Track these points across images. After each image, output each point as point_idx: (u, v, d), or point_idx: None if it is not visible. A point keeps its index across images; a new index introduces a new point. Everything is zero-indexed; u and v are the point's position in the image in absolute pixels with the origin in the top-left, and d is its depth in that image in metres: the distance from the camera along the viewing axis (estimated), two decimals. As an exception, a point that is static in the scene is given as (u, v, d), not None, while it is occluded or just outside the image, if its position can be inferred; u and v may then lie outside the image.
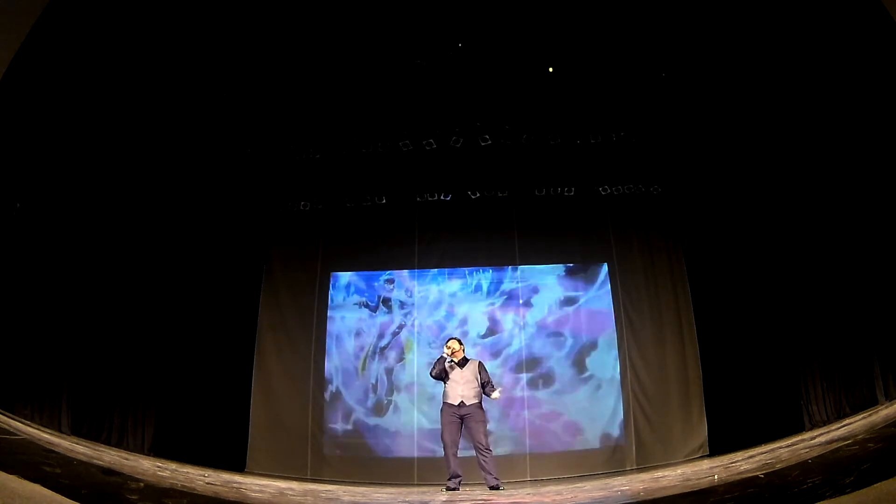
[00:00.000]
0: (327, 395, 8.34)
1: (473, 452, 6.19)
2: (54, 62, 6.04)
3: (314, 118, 8.69)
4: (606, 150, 8.77)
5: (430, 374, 6.50)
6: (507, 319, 8.57)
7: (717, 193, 8.14)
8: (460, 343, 6.47)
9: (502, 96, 8.49)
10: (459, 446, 6.23)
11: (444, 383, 6.35)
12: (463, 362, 6.35)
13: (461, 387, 6.23)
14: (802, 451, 4.76)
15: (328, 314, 8.59)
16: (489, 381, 6.35)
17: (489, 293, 8.69)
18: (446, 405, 6.28)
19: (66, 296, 6.82)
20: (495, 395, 6.33)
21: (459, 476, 6.08)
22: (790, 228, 7.41)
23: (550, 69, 8.21)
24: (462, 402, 6.19)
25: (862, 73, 6.24)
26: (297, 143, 8.89)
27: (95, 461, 4.62)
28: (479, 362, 6.51)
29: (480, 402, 6.26)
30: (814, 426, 6.76)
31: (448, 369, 6.32)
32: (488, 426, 6.66)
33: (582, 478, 7.29)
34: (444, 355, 6.36)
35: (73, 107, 6.59)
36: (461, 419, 6.18)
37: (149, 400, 7.44)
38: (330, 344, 8.51)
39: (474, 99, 8.53)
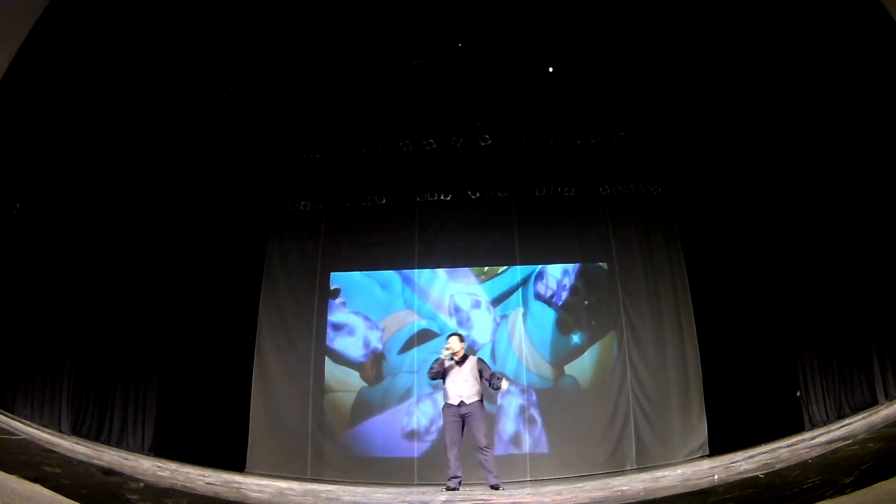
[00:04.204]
0: (327, 395, 8.34)
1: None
2: (54, 62, 6.03)
3: (314, 118, 8.69)
4: (606, 150, 8.78)
5: (428, 375, 6.46)
6: (507, 318, 8.57)
7: (717, 193, 8.13)
8: (462, 340, 6.40)
9: (502, 96, 8.49)
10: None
11: (444, 382, 6.30)
12: (462, 360, 6.28)
13: (460, 386, 6.18)
14: (802, 451, 4.75)
15: (328, 314, 8.57)
16: (493, 375, 6.27)
17: (489, 293, 8.69)
18: (447, 405, 6.25)
19: (65, 296, 6.80)
20: (504, 385, 6.25)
21: (459, 477, 6.05)
22: (790, 228, 7.39)
23: (550, 69, 8.22)
24: (462, 401, 6.14)
25: (862, 72, 6.23)
26: (297, 143, 8.89)
27: (95, 461, 4.62)
28: (479, 358, 6.45)
29: (481, 400, 6.21)
30: (814, 426, 6.75)
31: (446, 368, 6.26)
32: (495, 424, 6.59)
33: (582, 478, 7.28)
34: (442, 357, 6.30)
35: (74, 106, 6.58)
36: (462, 418, 6.15)
37: (149, 400, 7.44)
38: (330, 344, 8.50)
39: (474, 99, 8.53)
